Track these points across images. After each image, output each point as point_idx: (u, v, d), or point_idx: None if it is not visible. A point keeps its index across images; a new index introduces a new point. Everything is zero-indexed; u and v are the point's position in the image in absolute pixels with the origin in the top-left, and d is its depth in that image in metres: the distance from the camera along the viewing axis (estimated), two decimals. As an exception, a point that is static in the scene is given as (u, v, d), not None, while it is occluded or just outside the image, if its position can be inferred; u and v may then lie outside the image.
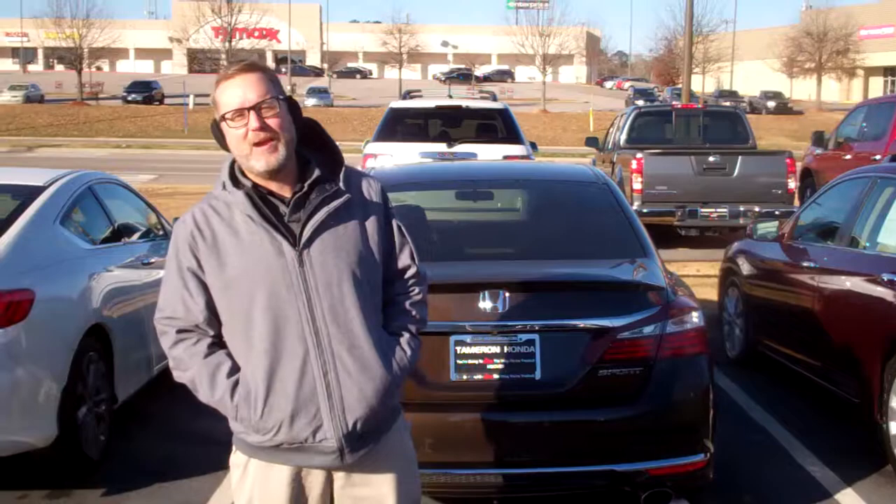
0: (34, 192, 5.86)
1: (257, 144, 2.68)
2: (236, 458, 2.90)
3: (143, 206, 7.51)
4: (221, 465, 5.53)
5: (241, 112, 2.67)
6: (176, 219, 7.78)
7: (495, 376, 4.34)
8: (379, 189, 2.93)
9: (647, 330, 4.40)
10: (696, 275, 11.55)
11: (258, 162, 2.70)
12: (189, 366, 2.78)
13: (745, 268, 8.22)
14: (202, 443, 5.97)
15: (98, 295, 5.75)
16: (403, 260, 2.98)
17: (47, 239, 5.63)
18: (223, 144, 2.77)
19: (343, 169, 2.84)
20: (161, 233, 7.47)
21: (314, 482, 2.85)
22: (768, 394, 7.31)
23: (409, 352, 2.91)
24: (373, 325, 2.80)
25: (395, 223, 2.96)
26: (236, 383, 2.74)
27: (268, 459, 2.81)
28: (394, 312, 2.94)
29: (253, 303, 2.71)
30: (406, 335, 2.93)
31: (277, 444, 2.75)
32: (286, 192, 2.77)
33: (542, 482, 4.43)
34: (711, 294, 9.38)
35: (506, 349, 4.34)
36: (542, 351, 4.33)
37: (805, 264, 6.97)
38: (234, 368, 2.76)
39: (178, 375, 2.83)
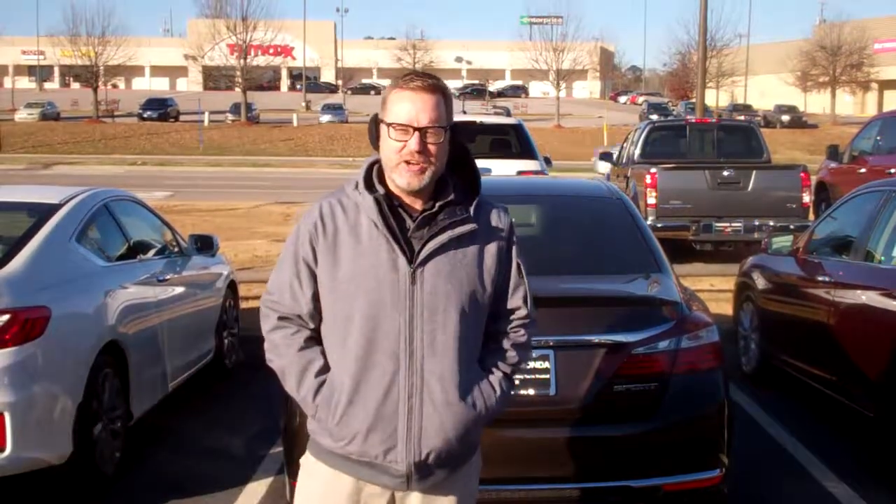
0: (50, 209, 5.89)
1: (408, 162, 2.68)
2: (306, 459, 2.89)
3: (158, 223, 7.52)
4: (237, 481, 5.59)
5: (405, 129, 2.66)
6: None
7: (509, 392, 4.32)
8: (508, 223, 2.88)
9: (662, 345, 4.39)
10: (711, 289, 11.51)
11: (401, 179, 2.68)
12: (283, 354, 2.79)
13: (760, 282, 8.20)
14: (218, 459, 5.99)
15: (113, 312, 5.77)
16: (515, 300, 2.90)
17: (63, 256, 5.66)
18: (375, 143, 2.76)
19: (477, 197, 2.81)
20: (176, 249, 7.47)
21: (376, 501, 2.80)
22: (784, 408, 7.28)
23: (498, 392, 2.81)
24: (468, 359, 2.75)
25: (515, 261, 2.90)
26: (322, 384, 2.73)
27: (335, 467, 2.78)
28: (493, 349, 2.87)
29: (355, 308, 2.68)
30: (499, 374, 2.85)
31: (348, 454, 2.73)
32: (416, 207, 2.75)
33: (557, 499, 4.42)
34: (726, 309, 9.36)
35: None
36: (556, 366, 4.32)
37: (820, 279, 6.95)
38: (324, 368, 2.75)
39: (270, 360, 2.83)
